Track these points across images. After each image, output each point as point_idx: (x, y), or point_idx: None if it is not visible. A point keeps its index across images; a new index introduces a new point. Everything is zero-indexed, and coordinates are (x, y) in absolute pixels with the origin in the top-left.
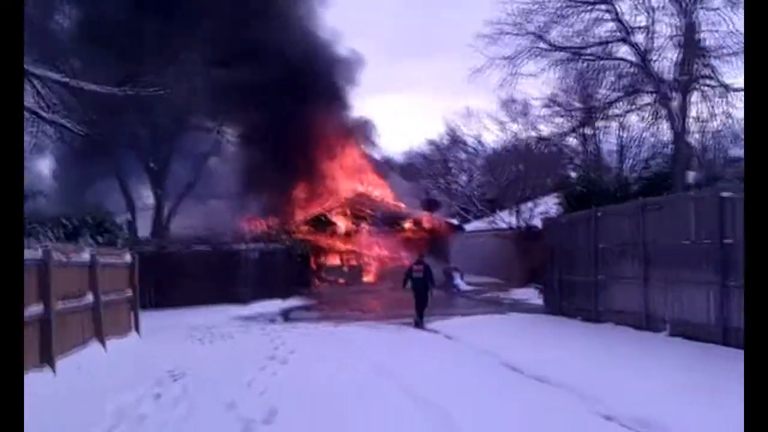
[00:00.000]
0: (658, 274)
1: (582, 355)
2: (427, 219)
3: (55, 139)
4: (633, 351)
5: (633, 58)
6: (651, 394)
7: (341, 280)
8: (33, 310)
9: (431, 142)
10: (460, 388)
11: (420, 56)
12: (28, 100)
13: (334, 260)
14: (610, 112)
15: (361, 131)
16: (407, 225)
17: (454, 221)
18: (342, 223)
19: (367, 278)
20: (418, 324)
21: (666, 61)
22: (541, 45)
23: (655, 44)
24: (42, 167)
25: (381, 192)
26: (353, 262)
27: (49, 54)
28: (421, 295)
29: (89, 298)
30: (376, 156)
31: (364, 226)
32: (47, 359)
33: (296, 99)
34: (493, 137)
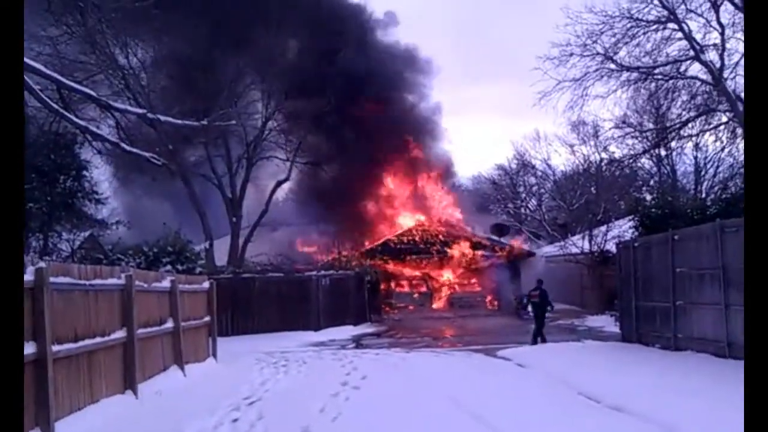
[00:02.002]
0: (739, 299)
1: (660, 384)
2: (496, 245)
3: (133, 169)
4: (713, 380)
5: (706, 77)
6: (731, 426)
7: (411, 307)
8: (116, 335)
9: (499, 167)
10: (532, 416)
11: (485, 80)
12: (111, 133)
13: (404, 286)
14: (684, 133)
15: (441, 164)
16: (477, 251)
17: (525, 246)
18: (411, 250)
19: (437, 304)
20: (536, 342)
21: (741, 78)
22: (610, 66)
23: (728, 61)
24: (119, 197)
25: (450, 218)
26: (423, 289)
27: (128, 88)
28: (538, 317)
29: (169, 323)
30: (447, 183)
31: (434, 252)
32: (129, 383)
33: (367, 127)
34: (562, 160)
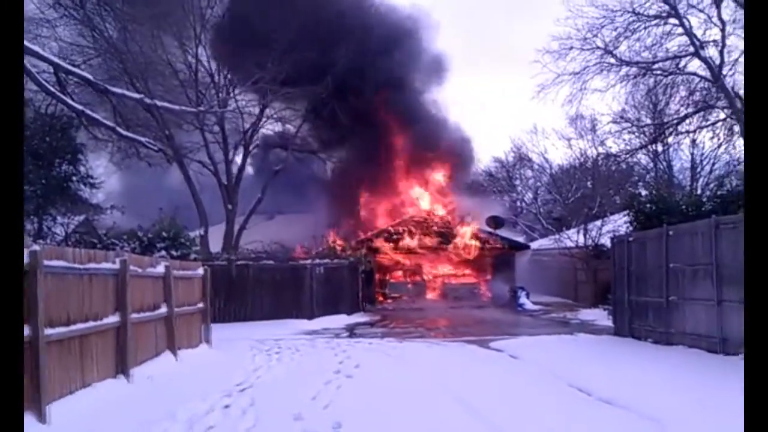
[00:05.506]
0: (732, 296)
1: (651, 378)
2: (491, 237)
3: (132, 155)
4: (704, 375)
5: (705, 73)
6: (721, 421)
7: (405, 297)
8: (110, 320)
9: (496, 160)
10: (523, 408)
11: (484, 72)
12: (108, 117)
13: (399, 276)
14: (682, 129)
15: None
16: (472, 242)
17: (520, 239)
18: (407, 240)
19: (432, 295)
20: None
21: (740, 75)
22: (610, 60)
23: (728, 58)
24: (114, 181)
25: (447, 209)
26: (417, 279)
27: (126, 72)
28: None
29: (163, 309)
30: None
31: (429, 242)
32: (122, 368)
33: (367, 115)
34: (559, 154)
